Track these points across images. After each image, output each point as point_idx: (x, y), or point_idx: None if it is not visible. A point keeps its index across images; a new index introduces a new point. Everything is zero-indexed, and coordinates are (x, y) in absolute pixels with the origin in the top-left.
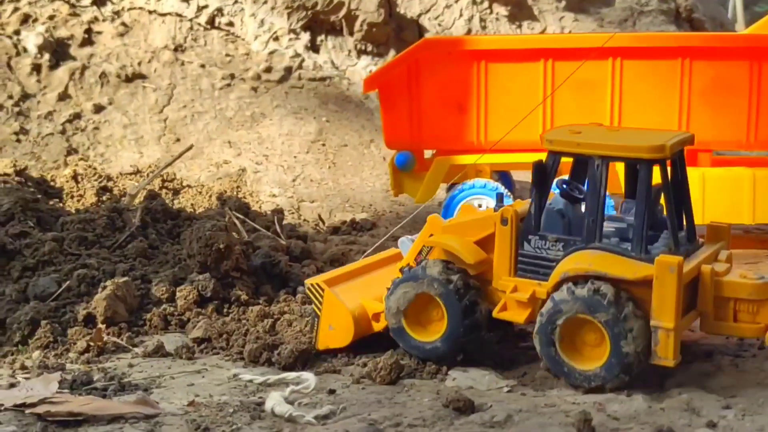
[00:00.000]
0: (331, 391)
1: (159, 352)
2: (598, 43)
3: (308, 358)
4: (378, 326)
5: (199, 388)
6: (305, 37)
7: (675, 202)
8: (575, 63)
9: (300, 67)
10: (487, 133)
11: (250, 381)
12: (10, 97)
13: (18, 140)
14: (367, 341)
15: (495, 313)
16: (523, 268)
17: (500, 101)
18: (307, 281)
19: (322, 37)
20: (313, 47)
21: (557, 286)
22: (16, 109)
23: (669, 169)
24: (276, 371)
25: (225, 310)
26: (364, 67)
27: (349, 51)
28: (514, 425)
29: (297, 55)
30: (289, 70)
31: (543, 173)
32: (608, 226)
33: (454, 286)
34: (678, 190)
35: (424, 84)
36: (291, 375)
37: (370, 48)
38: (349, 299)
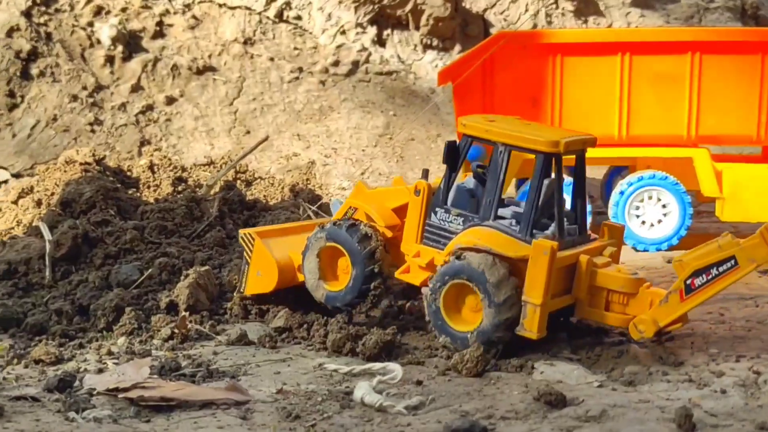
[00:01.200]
0: (419, 382)
1: (242, 340)
2: (676, 37)
3: (392, 348)
4: (302, 277)
5: (286, 377)
6: (372, 31)
7: (572, 196)
8: (653, 57)
9: (367, 61)
10: (561, 128)
11: (335, 370)
12: (84, 88)
13: (92, 131)
14: None
15: (397, 274)
16: (427, 237)
17: (575, 95)
18: (241, 231)
19: (389, 31)
20: (380, 41)
21: (450, 256)
22: (90, 100)
23: (576, 166)
24: (360, 361)
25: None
26: (429, 62)
27: (415, 45)
28: (610, 420)
29: (364, 49)
30: (356, 64)
31: (454, 153)
32: (511, 209)
33: (357, 238)
34: (576, 186)
35: (498, 77)
36: (377, 365)
37: (435, 42)
38: (277, 250)
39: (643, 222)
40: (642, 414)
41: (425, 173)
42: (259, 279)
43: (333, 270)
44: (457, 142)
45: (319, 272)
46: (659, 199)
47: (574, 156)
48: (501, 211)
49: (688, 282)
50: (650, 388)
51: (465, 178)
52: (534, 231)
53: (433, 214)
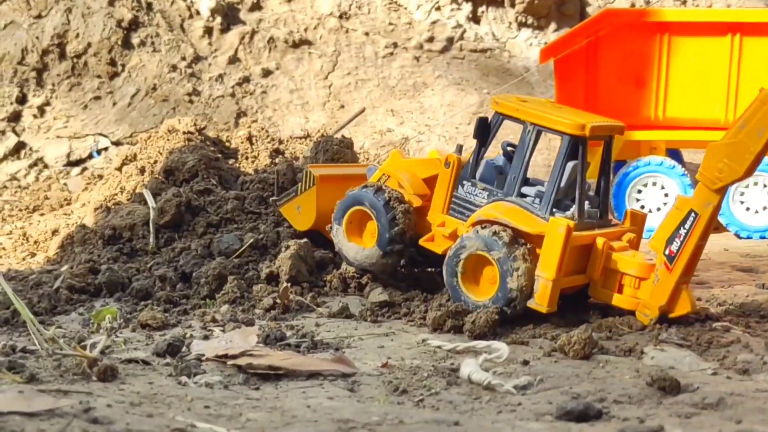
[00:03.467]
0: (525, 362)
1: (344, 313)
2: None
3: (496, 327)
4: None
5: (390, 351)
6: (467, 7)
7: (597, 181)
8: (765, 39)
9: (461, 38)
10: (666, 109)
11: (439, 347)
12: (183, 58)
13: (191, 101)
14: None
15: (421, 241)
16: (453, 208)
17: (682, 76)
18: (309, 166)
19: (483, 8)
20: (475, 18)
21: (473, 227)
22: (189, 70)
23: (603, 151)
24: (462, 338)
25: (400, 275)
26: (524, 40)
27: (510, 23)
28: (728, 408)
29: (458, 25)
30: (450, 41)
31: (485, 129)
32: (536, 188)
33: (383, 201)
34: (601, 171)
35: (602, 56)
36: (481, 343)
37: (530, 21)
38: (326, 200)
39: (748, 208)
40: (761, 403)
41: (459, 149)
42: (297, 213)
43: (361, 233)
44: (489, 119)
45: (348, 237)
46: (765, 185)
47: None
48: (525, 190)
49: (666, 252)
50: (766, 377)
51: (495, 156)
52: (555, 210)
53: (460, 187)
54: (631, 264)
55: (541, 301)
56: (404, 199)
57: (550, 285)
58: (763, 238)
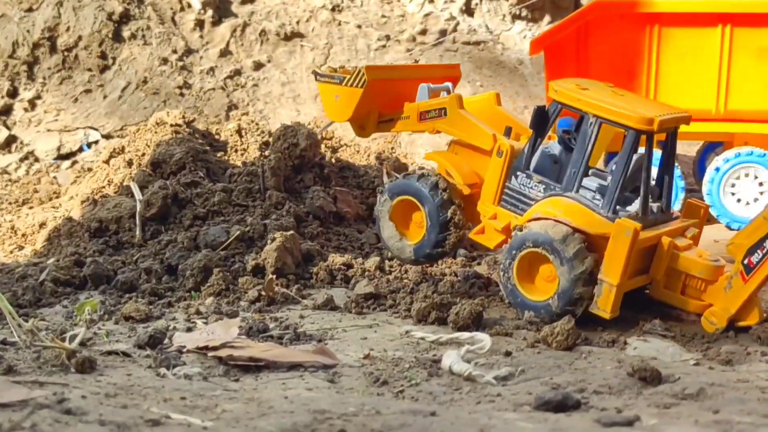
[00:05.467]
0: (507, 353)
1: (328, 305)
2: None
3: (480, 319)
4: (364, 133)
5: (373, 343)
6: (460, 0)
7: (659, 174)
8: (756, 30)
9: (455, 30)
10: (656, 100)
11: (422, 338)
12: (174, 51)
13: (181, 94)
14: None
15: (471, 234)
16: (506, 200)
17: (673, 67)
18: (363, 67)
19: (477, 0)
20: (468, 11)
21: (530, 223)
22: (180, 63)
23: (667, 142)
24: (446, 330)
25: (387, 268)
26: (518, 33)
27: (504, 15)
28: (708, 399)
29: (452, 18)
30: (443, 33)
31: (543, 118)
32: (595, 181)
33: (428, 188)
34: (665, 162)
35: (592, 47)
36: (464, 335)
37: (524, 13)
38: (367, 104)
39: (739, 200)
40: (741, 393)
41: (508, 131)
42: (333, 100)
43: (407, 224)
44: (546, 107)
45: (398, 233)
46: (756, 177)
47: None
48: (586, 182)
49: (745, 262)
50: (749, 368)
51: (549, 142)
52: (618, 207)
53: (513, 178)
54: (696, 265)
55: (603, 306)
56: (449, 183)
57: (614, 291)
58: None
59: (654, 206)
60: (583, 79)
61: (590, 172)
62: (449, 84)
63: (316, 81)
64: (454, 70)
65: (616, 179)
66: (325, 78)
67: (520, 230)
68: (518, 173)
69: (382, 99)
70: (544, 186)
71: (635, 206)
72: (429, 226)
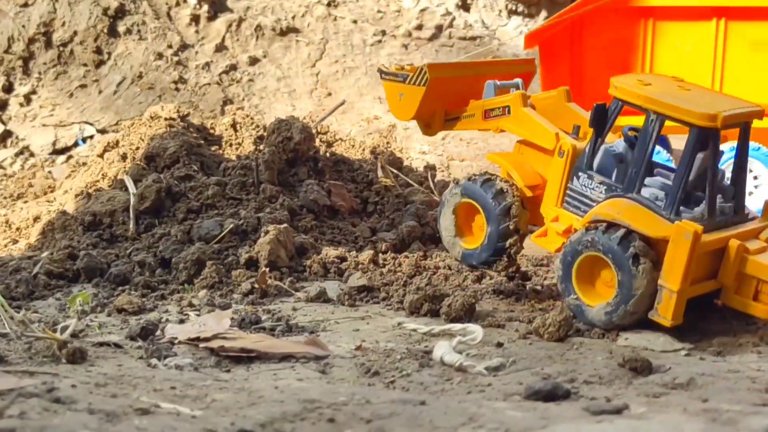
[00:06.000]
0: (499, 344)
1: (321, 297)
2: None
3: (473, 311)
4: (431, 131)
5: (365, 334)
6: None
7: (733, 173)
8: (750, 23)
9: (450, 25)
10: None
11: (414, 330)
12: (170, 46)
13: (177, 89)
14: None
15: (532, 238)
16: (568, 202)
17: (667, 61)
18: (425, 65)
19: None
20: (464, 6)
21: (587, 226)
22: (176, 58)
23: (741, 137)
24: (438, 322)
25: (381, 261)
26: (514, 28)
27: (500, 11)
28: (698, 388)
29: (448, 13)
30: (439, 29)
31: (602, 116)
32: (659, 180)
33: (492, 194)
34: (738, 160)
35: (587, 41)
36: (457, 326)
37: (521, 9)
38: (430, 102)
39: None
40: (732, 383)
41: (576, 129)
42: (398, 98)
43: (469, 227)
44: (607, 105)
45: (455, 229)
46: (750, 170)
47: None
48: (648, 180)
49: None
50: (740, 359)
51: (615, 141)
52: (682, 208)
53: (575, 178)
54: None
55: (664, 313)
56: (515, 190)
57: (675, 297)
58: None
59: (725, 207)
60: (648, 74)
61: (655, 171)
62: (519, 80)
63: (381, 79)
64: (527, 65)
65: (679, 178)
66: (389, 76)
67: (578, 233)
68: (580, 174)
69: (447, 97)
70: (605, 187)
71: (699, 208)
72: (489, 233)
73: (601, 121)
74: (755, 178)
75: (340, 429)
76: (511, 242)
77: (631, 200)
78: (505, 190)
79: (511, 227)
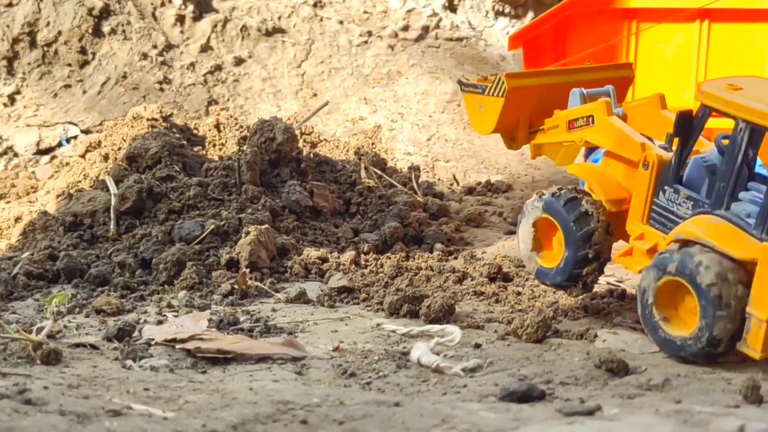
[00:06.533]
0: (477, 346)
1: (301, 298)
2: (759, 4)
3: (452, 312)
4: (515, 145)
5: (343, 335)
6: None
7: None
8: (733, 25)
9: (437, 26)
10: (634, 96)
11: (393, 331)
12: (155, 46)
13: (161, 89)
14: None
15: (615, 257)
16: (654, 218)
17: (650, 63)
18: (504, 75)
19: None
20: (451, 7)
21: (670, 245)
22: (160, 58)
23: None
24: (417, 323)
25: (363, 262)
26: (501, 29)
27: (487, 12)
28: (673, 389)
29: (434, 14)
30: (426, 29)
31: (688, 124)
32: (752, 195)
33: (574, 216)
34: None
35: (570, 42)
36: (435, 327)
37: (507, 9)
38: (511, 113)
39: None
40: (707, 385)
41: (670, 139)
42: (478, 111)
43: (549, 241)
44: (693, 111)
45: (533, 243)
46: None
47: None
48: (743, 195)
49: None
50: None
51: (708, 151)
52: None
53: (661, 193)
54: None
55: (753, 344)
56: (601, 213)
57: (764, 326)
58: None
59: None
60: (742, 76)
61: (749, 184)
62: (610, 87)
63: (462, 92)
64: (624, 69)
65: None
66: (468, 88)
67: (660, 254)
68: (665, 188)
69: (530, 107)
70: (692, 202)
71: None
72: (566, 257)
73: (687, 129)
74: None
75: (312, 430)
76: (589, 270)
77: (719, 217)
78: (590, 213)
79: (590, 255)
